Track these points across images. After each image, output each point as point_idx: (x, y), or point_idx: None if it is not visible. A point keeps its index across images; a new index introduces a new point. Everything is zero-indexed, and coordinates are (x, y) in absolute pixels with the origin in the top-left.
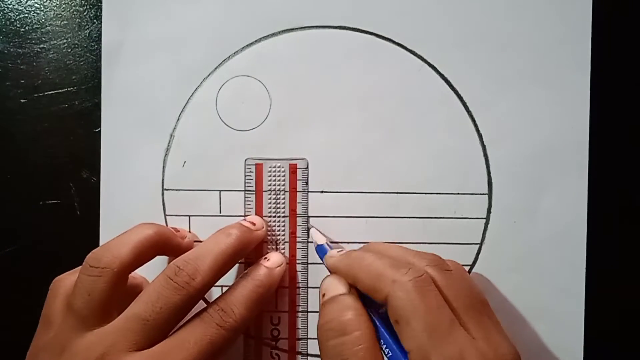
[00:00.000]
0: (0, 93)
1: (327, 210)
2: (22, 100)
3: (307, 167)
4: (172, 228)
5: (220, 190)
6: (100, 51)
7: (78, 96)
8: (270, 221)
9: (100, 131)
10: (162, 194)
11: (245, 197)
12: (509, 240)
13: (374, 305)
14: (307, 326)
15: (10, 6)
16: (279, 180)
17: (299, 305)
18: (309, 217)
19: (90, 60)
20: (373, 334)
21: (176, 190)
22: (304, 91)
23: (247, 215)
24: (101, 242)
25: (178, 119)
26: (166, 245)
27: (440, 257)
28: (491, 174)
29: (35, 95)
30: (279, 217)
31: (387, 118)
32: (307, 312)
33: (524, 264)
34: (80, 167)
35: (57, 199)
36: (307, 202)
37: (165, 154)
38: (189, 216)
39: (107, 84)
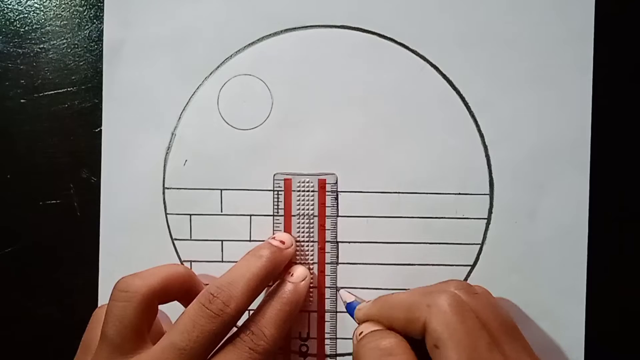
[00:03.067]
0: (0, 93)
1: (328, 210)
2: (22, 100)
3: (337, 182)
4: None
5: (221, 189)
6: (100, 51)
7: (78, 96)
8: (298, 236)
9: (100, 131)
10: (163, 193)
11: (273, 218)
12: (510, 240)
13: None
14: (336, 345)
15: (10, 6)
16: (308, 198)
17: (328, 322)
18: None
19: (90, 60)
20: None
21: (177, 189)
22: (306, 90)
23: (275, 231)
24: (101, 242)
25: (180, 118)
26: (192, 290)
27: (466, 282)
28: (492, 174)
29: (35, 95)
30: (309, 235)
31: (389, 118)
32: (336, 331)
33: (525, 264)
34: (80, 167)
35: (57, 199)
36: (337, 220)
37: (167, 153)
38: (190, 215)
39: (109, 82)
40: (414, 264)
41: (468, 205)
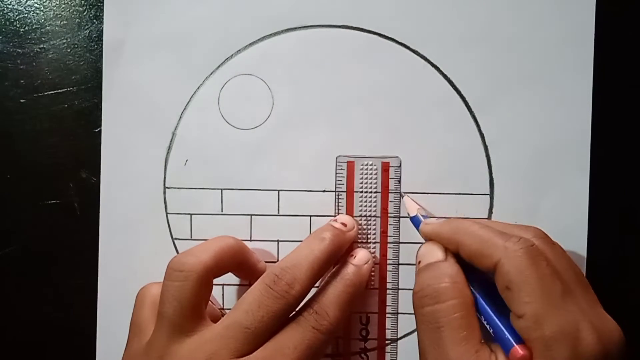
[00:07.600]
0: (0, 93)
1: (329, 210)
2: (22, 100)
3: (400, 166)
4: None
5: (222, 189)
6: (100, 51)
7: (78, 96)
8: (360, 220)
9: (100, 131)
10: (164, 192)
11: (336, 196)
12: None
13: (470, 274)
14: (397, 327)
15: (10, 6)
16: (371, 179)
17: (389, 306)
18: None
19: (90, 60)
20: (470, 303)
21: (178, 188)
22: (306, 90)
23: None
24: (101, 242)
25: (180, 117)
26: (244, 260)
27: (544, 231)
28: (493, 174)
29: (35, 95)
30: (370, 216)
31: (389, 118)
32: (397, 313)
33: None
34: (80, 167)
35: (57, 199)
36: (400, 201)
37: (167, 152)
38: (190, 214)
39: (109, 82)
40: (414, 264)
41: (468, 205)
